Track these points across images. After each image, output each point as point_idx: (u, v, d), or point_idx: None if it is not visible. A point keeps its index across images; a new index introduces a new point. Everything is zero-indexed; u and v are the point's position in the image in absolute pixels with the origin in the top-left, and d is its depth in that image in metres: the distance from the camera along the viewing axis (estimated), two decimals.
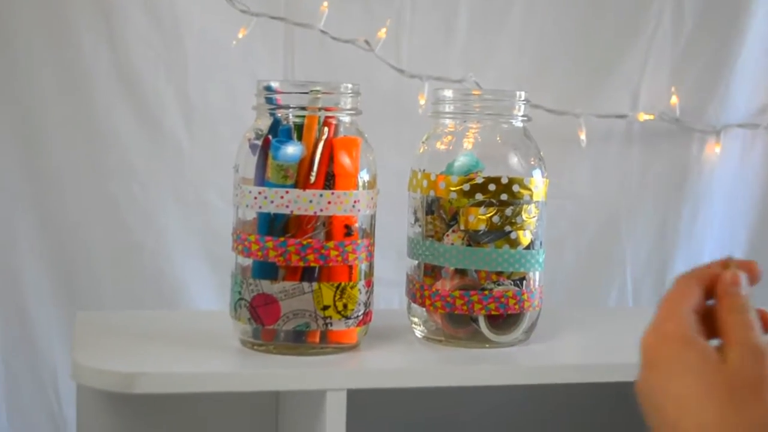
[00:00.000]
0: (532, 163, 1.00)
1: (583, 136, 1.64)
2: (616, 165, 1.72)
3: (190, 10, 1.54)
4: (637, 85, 1.71)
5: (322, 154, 0.92)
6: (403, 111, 1.58)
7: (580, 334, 1.09)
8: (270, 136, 0.93)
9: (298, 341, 0.93)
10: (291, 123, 0.94)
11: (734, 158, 1.76)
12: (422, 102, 1.54)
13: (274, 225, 0.93)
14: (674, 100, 1.69)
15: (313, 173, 0.92)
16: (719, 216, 1.77)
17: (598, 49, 1.70)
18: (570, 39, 1.68)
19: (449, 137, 1.02)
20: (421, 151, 1.03)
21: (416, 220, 1.02)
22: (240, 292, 0.93)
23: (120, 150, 1.55)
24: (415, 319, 1.03)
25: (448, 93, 1.02)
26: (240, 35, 1.46)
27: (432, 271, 1.01)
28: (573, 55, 1.69)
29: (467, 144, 1.01)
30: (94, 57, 1.53)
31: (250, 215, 0.94)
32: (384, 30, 1.53)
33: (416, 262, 1.02)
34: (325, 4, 1.48)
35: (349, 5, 1.57)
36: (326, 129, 0.93)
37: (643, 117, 1.69)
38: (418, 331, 1.02)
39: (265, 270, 0.92)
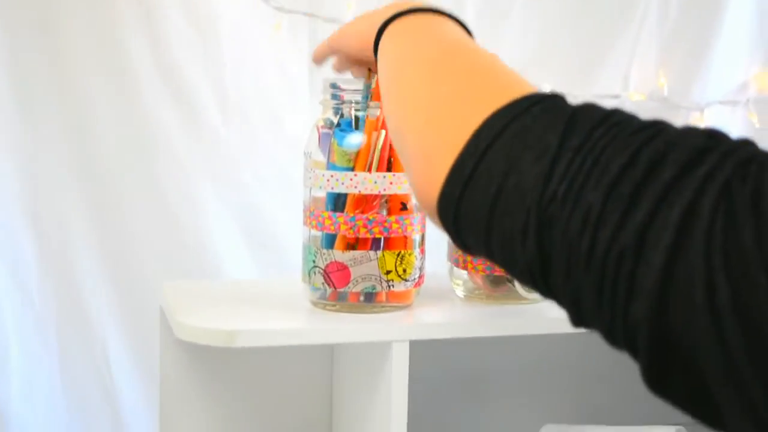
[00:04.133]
0: None
1: None
2: None
3: (224, 8, 1.70)
4: (628, 67, 1.88)
5: (381, 141, 1.08)
6: None
7: None
8: (336, 127, 1.09)
9: (366, 301, 1.09)
10: (352, 115, 1.10)
11: None
12: None
13: (339, 202, 1.09)
14: (662, 81, 1.87)
15: (375, 159, 1.08)
16: None
17: (592, 36, 1.87)
18: (568, 27, 1.86)
19: None
20: None
21: None
22: (314, 261, 1.09)
23: (163, 136, 1.71)
24: (458, 281, 1.19)
25: None
26: (275, 30, 1.62)
27: None
28: (571, 41, 1.86)
29: None
30: (138, 53, 1.68)
31: (318, 193, 1.10)
32: None
33: None
34: (352, 1, 1.64)
35: (369, 3, 1.73)
36: (379, 117, 1.09)
37: (634, 97, 1.87)
38: (460, 292, 1.19)
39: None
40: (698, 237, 0.50)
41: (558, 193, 0.55)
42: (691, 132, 0.56)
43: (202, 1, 1.69)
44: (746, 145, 0.55)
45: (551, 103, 0.60)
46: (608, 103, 1.76)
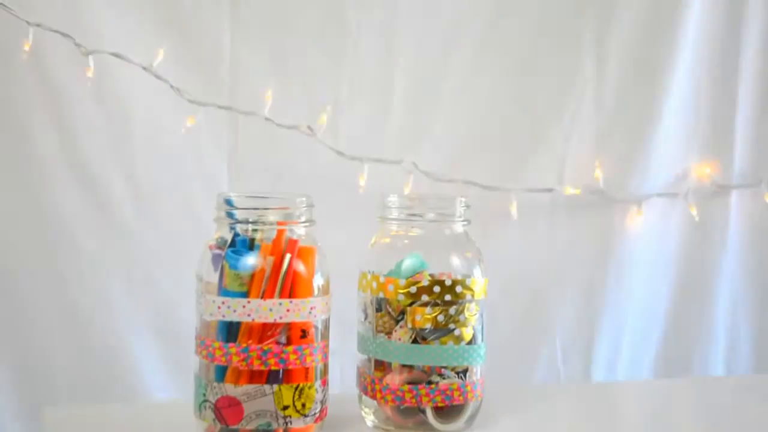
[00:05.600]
0: (472, 263, 1.08)
1: (514, 210, 1.73)
2: (544, 236, 1.81)
3: (137, 98, 1.60)
4: (562, 159, 1.81)
5: (278, 263, 0.99)
6: (343, 191, 1.65)
7: (516, 417, 1.17)
8: (228, 247, 1.00)
9: None
10: (249, 234, 1.01)
11: (655, 225, 1.87)
12: (362, 183, 1.62)
13: (232, 329, 1.00)
14: (597, 173, 1.80)
15: (278, 286, 0.99)
16: (642, 282, 1.87)
17: (525, 126, 1.80)
18: (499, 118, 1.78)
19: (396, 239, 1.10)
20: (369, 251, 1.11)
21: (366, 317, 1.09)
22: (204, 394, 0.99)
23: (70, 232, 1.60)
24: (367, 409, 1.10)
25: (394, 199, 1.10)
26: (189, 123, 1.53)
27: (381, 365, 1.08)
28: (502, 132, 1.79)
29: (412, 246, 1.08)
30: (43, 141, 1.58)
31: (210, 319, 1.01)
32: (324, 116, 1.61)
33: (366, 356, 1.10)
34: (269, 93, 1.56)
35: (290, 91, 1.64)
36: (282, 239, 1.00)
37: (568, 190, 1.79)
38: (369, 421, 1.09)
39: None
40: None
41: None
42: None
43: (111, 91, 1.59)
44: None
45: None
46: (541, 198, 1.68)
